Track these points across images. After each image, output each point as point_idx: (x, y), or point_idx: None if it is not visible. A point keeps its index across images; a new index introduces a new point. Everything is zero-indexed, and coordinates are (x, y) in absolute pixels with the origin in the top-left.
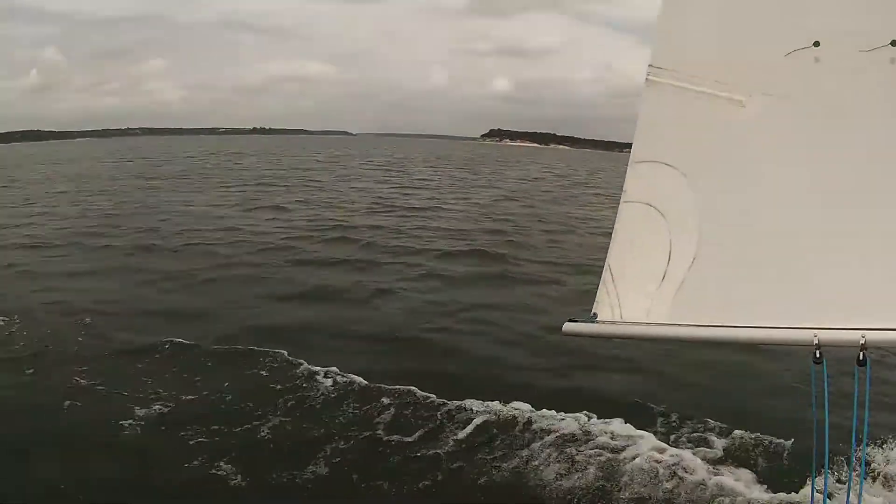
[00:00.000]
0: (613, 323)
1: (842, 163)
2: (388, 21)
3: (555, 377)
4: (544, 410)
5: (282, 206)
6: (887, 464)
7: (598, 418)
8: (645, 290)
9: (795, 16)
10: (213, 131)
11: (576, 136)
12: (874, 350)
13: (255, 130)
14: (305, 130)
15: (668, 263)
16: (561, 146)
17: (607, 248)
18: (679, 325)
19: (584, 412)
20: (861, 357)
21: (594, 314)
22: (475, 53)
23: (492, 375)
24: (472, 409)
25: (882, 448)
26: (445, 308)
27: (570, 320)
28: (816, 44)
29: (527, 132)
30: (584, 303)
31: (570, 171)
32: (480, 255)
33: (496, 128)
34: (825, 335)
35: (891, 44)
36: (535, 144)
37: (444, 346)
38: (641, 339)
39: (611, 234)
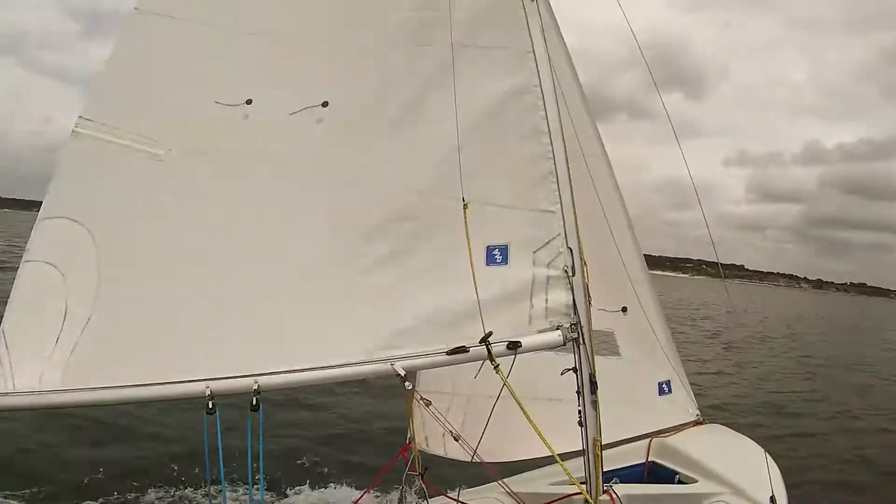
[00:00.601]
0: (6, 394)
1: (253, 220)
2: None
3: None
4: None
5: None
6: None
7: None
8: (39, 356)
9: (231, 75)
10: None
11: None
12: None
13: None
14: None
15: (63, 326)
16: None
17: None
18: (71, 390)
19: None
20: (255, 402)
21: None
22: None
23: None
24: None
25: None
26: None
27: None
28: (249, 101)
29: None
30: None
31: None
32: None
33: None
34: (218, 385)
35: (321, 105)
36: None
37: None
38: (35, 409)
39: None
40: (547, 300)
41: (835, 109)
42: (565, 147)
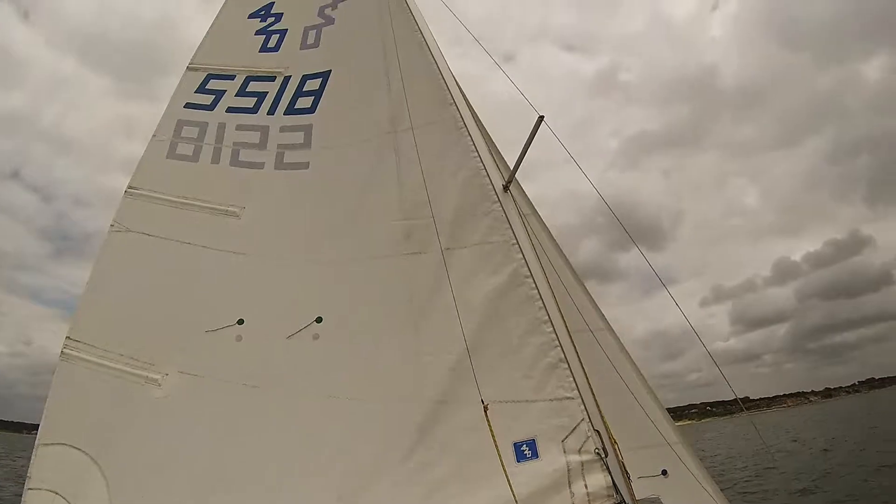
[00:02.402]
0: None
1: (263, 444)
2: None
3: None
4: None
5: None
6: None
7: None
8: None
9: (222, 295)
10: None
11: None
12: None
13: None
14: None
15: None
16: None
17: None
18: None
19: None
20: None
21: None
22: None
23: None
24: None
25: None
26: None
27: None
28: (241, 321)
29: None
30: None
31: None
32: None
33: None
34: None
35: (315, 321)
36: None
37: None
38: None
39: None
40: (587, 485)
41: (793, 223)
42: (569, 332)
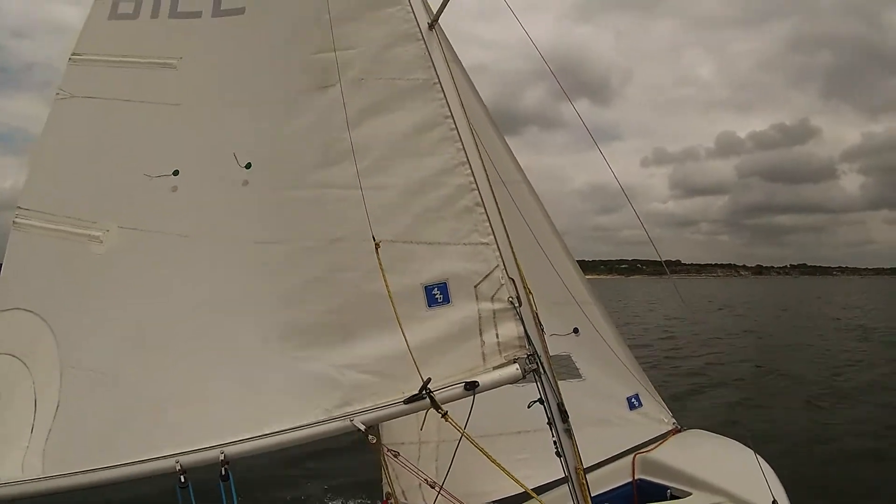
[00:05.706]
0: None
1: (202, 291)
2: None
3: None
4: None
5: None
6: None
7: None
8: (19, 446)
9: (158, 148)
10: None
11: None
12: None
13: None
14: None
15: (35, 414)
16: None
17: None
18: (50, 477)
19: None
20: (224, 472)
21: None
22: None
23: None
24: None
25: None
26: None
27: None
28: (176, 172)
29: None
30: None
31: None
32: None
33: None
34: (187, 459)
35: (245, 167)
36: None
37: None
38: (19, 497)
39: None
40: (498, 335)
41: (743, 100)
42: (487, 175)
